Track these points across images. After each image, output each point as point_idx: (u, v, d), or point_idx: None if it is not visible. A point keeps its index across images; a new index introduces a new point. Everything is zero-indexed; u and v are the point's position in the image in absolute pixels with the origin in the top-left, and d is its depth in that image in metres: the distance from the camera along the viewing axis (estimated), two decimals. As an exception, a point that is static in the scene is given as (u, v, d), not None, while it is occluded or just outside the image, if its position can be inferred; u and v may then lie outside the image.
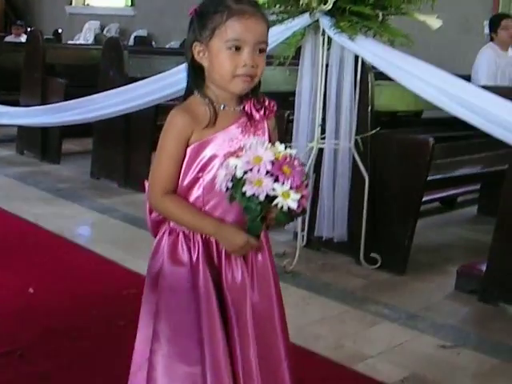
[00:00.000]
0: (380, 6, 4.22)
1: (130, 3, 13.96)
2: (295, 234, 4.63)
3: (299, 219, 4.38)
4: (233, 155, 2.04)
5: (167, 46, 11.18)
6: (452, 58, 8.30)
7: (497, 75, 7.27)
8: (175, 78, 4.88)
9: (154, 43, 11.42)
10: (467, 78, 7.01)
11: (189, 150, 2.10)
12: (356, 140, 4.43)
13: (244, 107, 2.16)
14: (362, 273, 4.43)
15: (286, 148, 2.02)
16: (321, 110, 4.41)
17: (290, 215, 2.01)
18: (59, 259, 4.41)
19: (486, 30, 7.69)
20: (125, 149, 6.36)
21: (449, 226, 5.77)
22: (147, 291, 2.29)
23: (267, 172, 1.95)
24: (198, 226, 2.16)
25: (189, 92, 2.18)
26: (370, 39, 4.21)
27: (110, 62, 6.43)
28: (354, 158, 4.44)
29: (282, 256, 4.50)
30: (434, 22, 4.33)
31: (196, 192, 2.13)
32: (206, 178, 2.11)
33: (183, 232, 2.18)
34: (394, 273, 4.41)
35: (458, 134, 5.11)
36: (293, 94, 4.59)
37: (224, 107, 2.14)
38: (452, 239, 5.39)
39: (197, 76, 2.15)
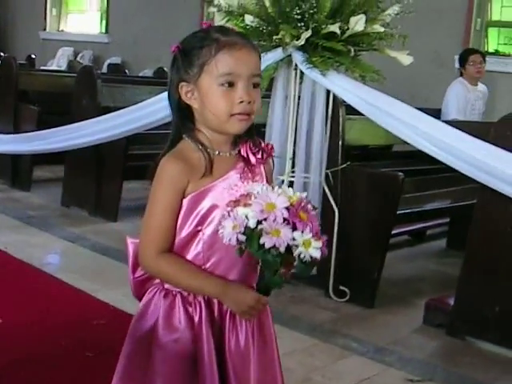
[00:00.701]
0: (352, 42, 4.28)
1: (104, 30, 13.98)
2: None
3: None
4: (236, 204, 1.82)
5: (141, 74, 11.19)
6: (424, 92, 8.40)
7: (466, 109, 7.37)
8: (149, 110, 4.92)
9: (127, 71, 11.41)
10: (439, 112, 7.13)
11: (185, 202, 1.91)
12: (326, 173, 4.47)
13: (240, 151, 1.98)
14: (331, 306, 4.44)
15: (294, 192, 1.85)
16: (292, 143, 4.45)
17: (311, 265, 1.81)
18: (28, 288, 4.37)
19: (457, 65, 7.79)
20: (96, 177, 6.32)
21: (418, 259, 5.82)
22: (130, 355, 2.05)
23: (284, 220, 1.76)
24: (200, 287, 1.94)
25: (177, 137, 1.99)
26: (342, 74, 4.27)
27: (83, 91, 6.43)
28: (324, 191, 4.47)
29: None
30: (405, 59, 4.39)
31: (195, 248, 1.93)
32: (207, 231, 1.91)
33: (181, 293, 1.96)
34: (363, 306, 4.43)
35: (427, 167, 5.16)
36: (264, 125, 4.62)
37: (219, 153, 1.96)
38: (421, 272, 5.44)
39: (186, 119, 1.98)
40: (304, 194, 1.85)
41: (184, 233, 1.93)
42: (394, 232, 4.79)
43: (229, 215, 1.81)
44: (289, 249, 1.76)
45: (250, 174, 1.98)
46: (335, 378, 3.45)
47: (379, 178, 4.47)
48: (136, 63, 12.34)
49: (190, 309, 1.95)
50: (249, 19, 4.30)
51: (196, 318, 1.94)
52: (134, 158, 6.20)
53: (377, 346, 3.84)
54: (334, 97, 4.42)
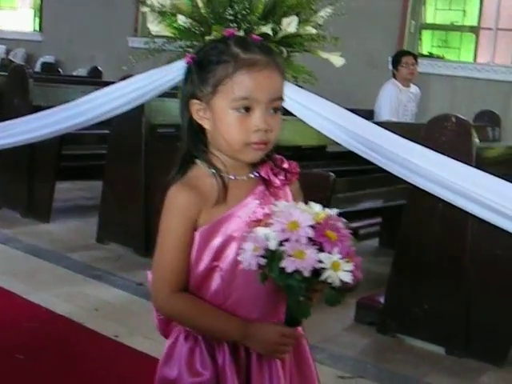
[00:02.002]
0: (284, 43, 4.31)
1: (37, 28, 13.84)
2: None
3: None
4: (257, 224, 1.64)
5: (74, 73, 11.09)
6: (358, 93, 8.49)
7: (399, 111, 7.47)
8: (82, 109, 4.89)
9: (61, 70, 11.30)
10: (372, 113, 7.22)
11: (197, 235, 1.72)
12: (259, 174, 4.48)
13: (259, 173, 1.78)
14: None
15: (323, 207, 1.66)
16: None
17: (343, 291, 1.59)
18: (-42, 290, 4.31)
19: (391, 67, 7.90)
20: (28, 178, 6.23)
21: (351, 258, 5.82)
22: None
23: (309, 240, 1.56)
24: (220, 331, 1.75)
25: (187, 159, 1.79)
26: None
27: (14, 90, 6.34)
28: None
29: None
30: (337, 60, 4.44)
31: (213, 285, 1.74)
32: (224, 266, 1.73)
33: (203, 336, 1.78)
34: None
35: (360, 168, 5.22)
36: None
37: (235, 177, 1.77)
38: (354, 271, 5.45)
39: (197, 139, 1.78)
40: (334, 211, 1.66)
41: (199, 269, 1.75)
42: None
43: (250, 236, 1.62)
44: (316, 273, 1.55)
45: (272, 199, 1.76)
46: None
47: (311, 178, 4.48)
48: (70, 62, 12.24)
49: (213, 351, 1.77)
50: (181, 19, 4.31)
51: (220, 360, 1.76)
52: (68, 158, 6.16)
53: (308, 345, 3.86)
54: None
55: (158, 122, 5.38)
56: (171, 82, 4.49)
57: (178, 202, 1.73)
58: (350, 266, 1.57)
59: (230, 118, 1.70)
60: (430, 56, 9.59)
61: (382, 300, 4.23)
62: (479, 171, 3.61)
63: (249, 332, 1.72)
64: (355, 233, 5.57)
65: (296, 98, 4.14)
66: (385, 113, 7.35)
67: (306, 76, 4.33)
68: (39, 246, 5.32)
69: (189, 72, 1.78)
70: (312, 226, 1.57)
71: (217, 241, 1.72)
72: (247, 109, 1.69)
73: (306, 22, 4.38)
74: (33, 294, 4.23)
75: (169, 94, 4.92)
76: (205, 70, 1.73)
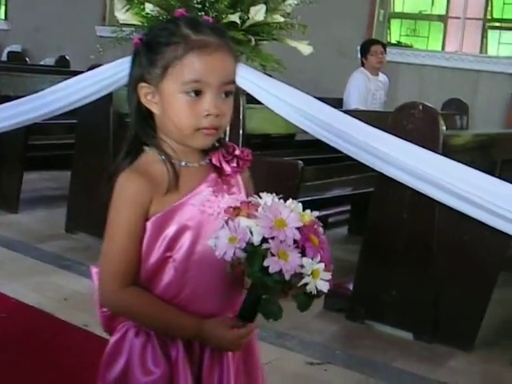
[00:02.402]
0: (252, 31, 4.32)
1: (3, 17, 13.70)
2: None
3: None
4: (236, 212, 1.54)
5: (42, 63, 11.01)
6: (328, 82, 8.51)
7: (367, 99, 7.49)
8: (49, 99, 4.86)
9: (28, 59, 11.22)
10: (341, 102, 7.24)
11: (149, 224, 1.63)
12: (228, 162, 4.48)
13: (211, 160, 1.71)
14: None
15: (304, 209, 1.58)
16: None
17: (313, 298, 1.54)
18: None
19: (359, 55, 7.92)
20: (-6, 168, 6.18)
21: (320, 245, 5.84)
22: None
23: (294, 242, 1.49)
24: (173, 328, 1.68)
25: (135, 145, 1.71)
26: (242, 64, 4.29)
27: (-19, 80, 6.30)
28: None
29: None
30: (305, 49, 4.45)
31: (166, 277, 1.66)
32: (177, 257, 1.65)
33: (155, 332, 1.70)
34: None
35: (328, 156, 5.24)
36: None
37: (186, 164, 1.69)
38: (323, 259, 5.47)
39: (146, 125, 1.70)
40: (316, 213, 1.59)
41: (151, 261, 1.65)
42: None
43: (227, 224, 1.52)
44: (294, 277, 1.49)
45: (224, 186, 1.72)
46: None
47: (279, 166, 4.52)
48: (37, 51, 12.13)
49: (166, 347, 1.70)
50: (149, 7, 4.29)
51: (173, 356, 1.69)
52: (35, 148, 6.12)
53: (277, 332, 3.87)
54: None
55: (126, 111, 5.30)
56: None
57: (127, 190, 1.64)
58: (328, 276, 1.52)
59: (179, 103, 1.63)
60: (399, 45, 9.62)
61: (350, 287, 4.26)
62: (446, 159, 3.64)
63: (203, 330, 1.64)
64: (324, 221, 5.63)
65: (264, 87, 4.16)
66: (353, 101, 7.37)
67: (275, 64, 4.34)
68: (8, 236, 5.28)
69: (136, 54, 1.70)
70: (298, 229, 1.50)
71: (170, 230, 1.64)
72: (197, 93, 1.62)
73: (273, 10, 4.39)
74: (2, 284, 4.20)
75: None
76: (153, 51, 1.65)
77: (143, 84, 1.67)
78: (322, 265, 1.51)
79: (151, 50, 1.65)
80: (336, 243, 5.91)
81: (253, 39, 4.30)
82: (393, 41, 9.76)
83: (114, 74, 4.59)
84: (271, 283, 1.49)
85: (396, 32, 10.01)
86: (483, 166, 3.69)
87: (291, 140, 6.56)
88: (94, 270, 1.78)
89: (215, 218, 1.66)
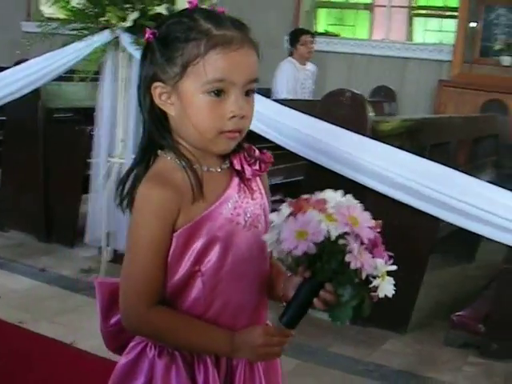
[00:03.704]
0: (179, 23, 4.30)
1: None
2: (100, 249, 4.60)
3: (104, 233, 4.40)
4: (300, 206, 1.40)
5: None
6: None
7: (296, 88, 7.54)
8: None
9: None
10: (270, 91, 7.26)
11: (176, 237, 1.50)
12: (158, 154, 4.46)
13: (232, 163, 1.58)
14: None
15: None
16: (122, 126, 4.44)
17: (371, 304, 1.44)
18: None
19: (287, 45, 7.95)
20: None
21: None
22: None
23: (368, 241, 1.40)
24: (206, 347, 1.55)
25: (150, 151, 1.57)
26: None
27: None
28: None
29: (88, 272, 4.51)
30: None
31: (193, 292, 1.53)
32: (207, 270, 1.52)
33: (180, 352, 1.56)
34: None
35: (259, 145, 5.24)
36: (94, 109, 4.59)
37: (208, 169, 1.55)
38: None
39: (163, 128, 1.55)
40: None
41: (177, 276, 1.52)
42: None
43: (295, 217, 1.39)
44: (366, 280, 1.40)
45: (247, 191, 1.59)
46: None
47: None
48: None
49: (192, 369, 1.56)
50: (75, 1, 4.26)
51: (200, 380, 1.56)
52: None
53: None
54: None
55: (54, 106, 5.32)
56: (67, 65, 4.46)
57: (152, 200, 1.48)
58: (392, 281, 1.43)
59: (200, 103, 1.48)
60: (326, 34, 9.68)
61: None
62: (376, 142, 3.69)
63: (236, 341, 1.51)
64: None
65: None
66: (282, 91, 7.41)
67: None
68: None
69: (149, 50, 1.53)
70: (370, 227, 1.41)
71: (199, 242, 1.50)
72: (220, 92, 1.48)
73: (201, 1, 4.38)
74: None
75: (65, 77, 4.87)
76: (170, 48, 1.49)
77: (158, 83, 1.52)
78: (392, 267, 1.43)
79: (167, 46, 1.50)
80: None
81: (181, 31, 4.29)
82: (320, 30, 9.82)
83: (40, 68, 4.54)
84: (350, 282, 1.38)
85: (323, 21, 10.07)
86: (412, 151, 3.74)
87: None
88: (99, 280, 1.68)
89: (244, 227, 1.55)
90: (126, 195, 1.57)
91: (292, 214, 1.40)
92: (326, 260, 1.37)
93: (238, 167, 1.57)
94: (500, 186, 3.40)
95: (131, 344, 1.62)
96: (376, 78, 8.70)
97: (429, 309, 4.33)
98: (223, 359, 1.58)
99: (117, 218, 4.42)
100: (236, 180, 1.58)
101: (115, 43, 4.38)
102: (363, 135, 3.78)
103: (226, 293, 1.54)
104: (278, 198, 6.30)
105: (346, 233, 1.37)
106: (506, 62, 7.95)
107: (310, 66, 7.77)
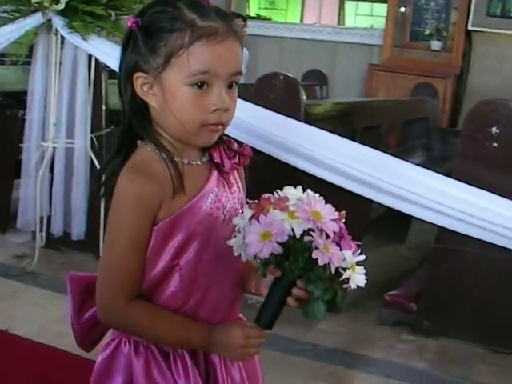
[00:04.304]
0: (112, 6, 4.28)
1: None
2: (34, 235, 4.57)
3: (37, 218, 4.37)
4: (260, 208, 1.39)
5: None
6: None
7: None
8: None
9: None
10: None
11: (156, 231, 1.48)
12: (91, 138, 4.46)
13: (211, 156, 1.56)
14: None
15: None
16: (54, 109, 4.40)
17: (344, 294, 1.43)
18: None
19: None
20: None
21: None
22: None
23: (334, 234, 1.38)
24: (184, 341, 1.53)
25: (129, 141, 1.53)
26: (103, 39, 4.26)
27: None
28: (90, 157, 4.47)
29: (21, 257, 4.47)
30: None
31: (171, 286, 1.51)
32: (185, 264, 1.50)
33: (156, 346, 1.55)
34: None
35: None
36: (25, 93, 4.54)
37: (189, 162, 1.53)
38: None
39: (144, 118, 1.52)
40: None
41: (156, 270, 1.50)
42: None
43: (257, 220, 1.37)
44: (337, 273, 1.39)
45: (226, 185, 1.58)
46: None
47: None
48: None
49: (169, 362, 1.55)
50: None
51: (181, 374, 1.54)
52: None
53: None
54: (96, 61, 4.41)
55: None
56: (-3, 49, 4.40)
57: (133, 192, 1.45)
58: (363, 270, 1.42)
59: (184, 96, 1.45)
60: (258, 18, 9.71)
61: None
62: (310, 126, 3.72)
63: (213, 338, 1.50)
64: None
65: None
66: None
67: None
68: None
69: (131, 39, 1.49)
70: (335, 221, 1.40)
71: (179, 237, 1.49)
72: (204, 84, 1.45)
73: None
74: None
75: (-5, 61, 4.82)
76: (154, 38, 1.45)
77: (140, 73, 1.48)
78: (361, 257, 1.42)
79: (151, 36, 1.46)
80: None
81: (113, 14, 4.26)
82: (252, 14, 9.84)
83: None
84: (319, 278, 1.37)
85: (255, 5, 10.11)
86: (344, 134, 3.79)
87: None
88: (70, 275, 1.66)
89: (223, 221, 1.53)
90: (104, 184, 1.54)
91: (254, 216, 1.38)
92: (293, 259, 1.36)
93: (217, 160, 1.55)
94: (429, 169, 3.47)
95: (105, 341, 1.61)
96: (307, 62, 8.76)
97: (363, 289, 4.38)
98: (200, 352, 1.58)
99: (51, 203, 4.41)
100: (215, 173, 1.55)
101: (47, 26, 4.32)
102: (296, 119, 3.81)
103: (203, 287, 1.53)
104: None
105: (310, 229, 1.36)
106: (435, 47, 8.07)
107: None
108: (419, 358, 3.59)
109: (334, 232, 1.38)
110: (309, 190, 1.44)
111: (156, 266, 1.50)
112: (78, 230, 4.51)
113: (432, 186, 3.27)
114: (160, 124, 1.51)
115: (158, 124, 1.52)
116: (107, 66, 4.42)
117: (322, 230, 1.36)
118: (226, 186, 1.57)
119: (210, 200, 1.52)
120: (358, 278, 1.41)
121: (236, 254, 1.42)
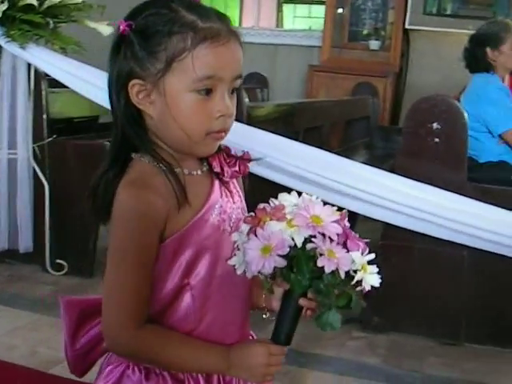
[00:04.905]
0: (50, 14, 4.24)
1: None
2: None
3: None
4: (256, 221, 1.32)
5: None
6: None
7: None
8: None
9: None
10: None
11: (164, 248, 1.38)
12: (34, 148, 4.42)
13: (211, 165, 1.48)
14: (51, 280, 4.41)
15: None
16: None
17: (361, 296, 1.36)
18: None
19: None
20: None
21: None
22: None
23: (338, 237, 1.31)
24: (201, 366, 1.43)
25: (123, 153, 1.44)
26: (42, 47, 4.22)
27: None
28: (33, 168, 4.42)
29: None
30: (105, 29, 4.42)
31: (182, 308, 1.42)
32: (197, 283, 1.42)
33: (169, 372, 1.44)
34: (82, 277, 4.43)
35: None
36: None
37: (190, 172, 1.44)
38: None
39: (139, 128, 1.42)
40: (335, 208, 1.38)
41: (165, 290, 1.41)
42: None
43: (255, 234, 1.30)
44: (349, 276, 1.32)
45: (229, 195, 1.50)
46: (60, 347, 3.45)
47: (85, 148, 4.49)
48: None
49: None
50: None
51: None
52: None
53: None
54: (36, 70, 4.37)
55: None
56: None
57: (137, 209, 1.34)
58: (375, 268, 1.35)
59: (188, 103, 1.37)
60: (197, 22, 9.69)
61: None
62: (251, 127, 3.73)
63: (232, 359, 1.41)
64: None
65: (67, 69, 4.09)
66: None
67: (75, 47, 4.29)
68: None
69: (124, 43, 1.40)
70: (337, 222, 1.33)
71: (188, 253, 1.40)
72: (209, 90, 1.37)
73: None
74: None
75: None
76: (152, 41, 1.37)
77: (136, 81, 1.39)
78: (371, 256, 1.35)
79: (148, 39, 1.37)
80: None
81: (51, 22, 4.23)
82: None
83: None
84: (329, 285, 1.30)
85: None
86: (287, 135, 3.80)
87: (95, 122, 6.49)
88: (65, 299, 1.58)
89: (230, 234, 1.43)
90: (100, 203, 1.44)
91: (252, 230, 1.32)
92: (298, 270, 1.30)
93: (217, 169, 1.47)
94: (373, 166, 3.50)
95: (107, 368, 1.49)
96: (247, 66, 8.62)
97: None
98: (215, 376, 1.48)
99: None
100: (217, 183, 1.48)
101: (-16, 35, 4.28)
102: (239, 121, 3.81)
103: (216, 306, 1.45)
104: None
105: (311, 235, 1.29)
106: (374, 46, 8.13)
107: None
108: (371, 354, 3.62)
109: (338, 234, 1.31)
110: (304, 194, 1.37)
111: (165, 287, 1.41)
112: (26, 242, 4.45)
113: (376, 182, 3.30)
114: (159, 134, 1.42)
115: (154, 134, 1.43)
116: (47, 75, 4.38)
117: (324, 235, 1.29)
118: (229, 195, 1.50)
119: (216, 212, 1.44)
120: (371, 278, 1.34)
121: (239, 272, 1.34)
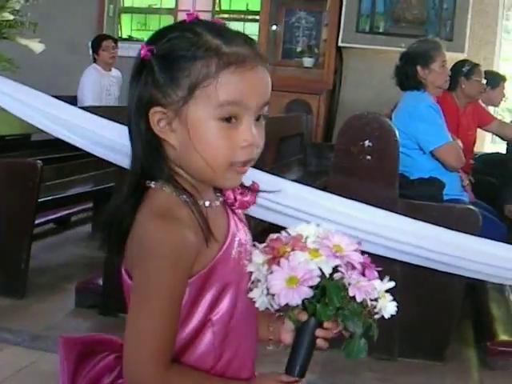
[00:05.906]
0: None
1: None
2: None
3: None
4: (276, 252, 1.29)
5: None
6: (61, 79, 8.34)
7: (102, 95, 7.49)
8: None
9: None
10: (75, 99, 7.17)
11: (190, 285, 1.32)
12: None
13: (224, 195, 1.44)
14: (-19, 302, 4.33)
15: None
16: None
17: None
18: None
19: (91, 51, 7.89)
20: None
21: (64, 245, 5.82)
22: None
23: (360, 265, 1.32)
24: None
25: (141, 184, 1.37)
26: (-30, 65, 4.17)
27: None
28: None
29: None
30: (37, 46, 4.38)
31: (203, 345, 1.37)
32: (217, 319, 1.37)
33: None
34: (14, 297, 4.36)
35: (67, 154, 5.21)
36: None
37: (210, 204, 1.39)
38: (69, 258, 5.46)
39: (160, 158, 1.36)
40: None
41: (189, 327, 1.36)
42: (38, 221, 4.86)
43: (278, 265, 1.28)
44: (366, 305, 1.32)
45: (240, 226, 1.45)
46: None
47: (17, 167, 4.43)
48: None
49: None
50: None
51: None
52: None
53: (32, 334, 3.82)
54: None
55: None
56: None
57: (167, 244, 1.27)
58: (390, 297, 1.36)
59: (211, 131, 1.30)
60: (130, 39, 9.67)
61: (100, 282, 4.26)
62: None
63: None
64: (67, 220, 5.55)
65: (-1, 88, 4.04)
66: (88, 98, 7.32)
67: (6, 64, 4.24)
68: None
69: (145, 69, 1.34)
70: (355, 250, 1.33)
71: (213, 289, 1.35)
72: (232, 118, 1.31)
73: (2, 8, 4.29)
74: None
75: None
76: (174, 67, 1.30)
77: (157, 108, 1.33)
78: (391, 284, 1.36)
79: (171, 65, 1.31)
80: (80, 241, 5.87)
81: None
82: (124, 35, 9.79)
83: None
84: (355, 314, 1.30)
85: (127, 27, 10.05)
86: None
87: (27, 140, 6.42)
88: (64, 338, 1.53)
89: (246, 267, 1.37)
90: (117, 238, 1.38)
91: (271, 262, 1.29)
92: (329, 299, 1.28)
93: (230, 200, 1.43)
94: (306, 184, 3.52)
95: None
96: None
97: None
98: None
99: None
100: (231, 214, 1.44)
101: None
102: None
103: (235, 342, 1.41)
104: (88, 205, 6.28)
105: (337, 265, 1.28)
106: (307, 63, 8.19)
107: (115, 72, 7.72)
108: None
109: (360, 263, 1.31)
110: (323, 223, 1.35)
111: (188, 325, 1.36)
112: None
113: (309, 200, 3.32)
114: (181, 163, 1.36)
115: (175, 163, 1.37)
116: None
117: (347, 263, 1.29)
118: (240, 226, 1.45)
119: (235, 244, 1.40)
120: (389, 306, 1.35)
121: (259, 306, 1.33)
